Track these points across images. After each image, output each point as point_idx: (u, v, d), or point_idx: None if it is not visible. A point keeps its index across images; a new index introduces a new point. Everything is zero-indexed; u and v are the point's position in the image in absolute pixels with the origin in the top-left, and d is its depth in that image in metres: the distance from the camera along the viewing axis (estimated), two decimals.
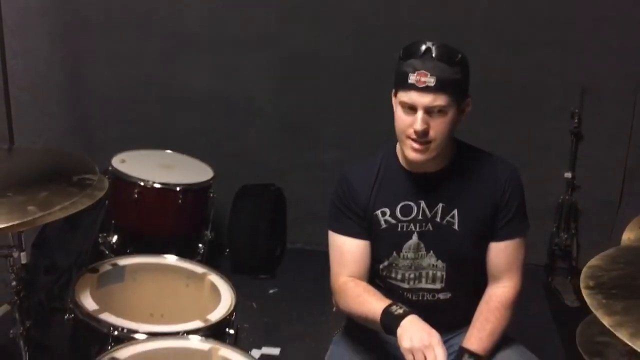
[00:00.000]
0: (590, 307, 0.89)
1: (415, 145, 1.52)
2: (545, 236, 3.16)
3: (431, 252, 1.64)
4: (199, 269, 2.01)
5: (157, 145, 3.01)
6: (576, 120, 3.00)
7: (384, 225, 1.63)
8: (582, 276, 0.98)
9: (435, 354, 1.39)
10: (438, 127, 1.51)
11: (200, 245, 2.84)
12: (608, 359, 1.17)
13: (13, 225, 1.19)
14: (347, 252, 1.66)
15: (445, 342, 1.68)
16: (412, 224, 1.62)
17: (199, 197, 2.79)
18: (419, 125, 1.49)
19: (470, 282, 1.69)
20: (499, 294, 1.65)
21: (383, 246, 1.65)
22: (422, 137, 1.50)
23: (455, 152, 1.63)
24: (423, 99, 1.48)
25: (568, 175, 3.05)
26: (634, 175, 3.24)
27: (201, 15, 3.26)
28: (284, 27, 3.23)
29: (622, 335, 0.77)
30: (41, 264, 2.57)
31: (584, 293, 0.93)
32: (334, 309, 2.95)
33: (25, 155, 1.64)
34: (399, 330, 1.44)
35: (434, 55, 1.48)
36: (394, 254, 1.65)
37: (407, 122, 1.52)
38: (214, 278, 1.97)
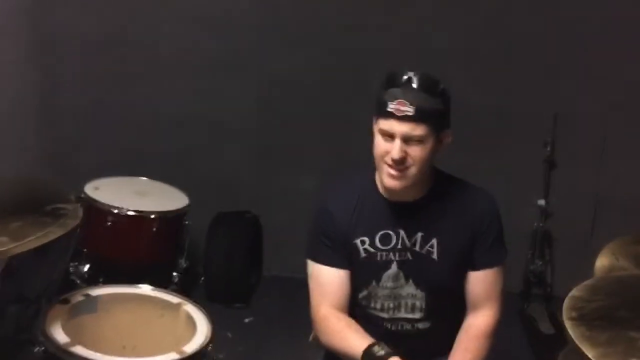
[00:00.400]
0: (574, 339, 0.89)
1: (392, 172, 1.53)
2: (519, 263, 3.18)
3: (410, 281, 1.63)
4: (174, 299, 1.97)
5: (132, 171, 2.97)
6: (549, 149, 3.05)
7: (363, 255, 1.62)
8: (564, 307, 0.98)
9: None
10: (415, 155, 1.51)
11: (174, 273, 2.79)
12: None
13: None
14: (327, 282, 1.65)
15: None
16: (391, 253, 1.62)
17: (174, 225, 2.75)
18: (396, 153, 1.50)
19: (449, 311, 1.68)
20: (478, 323, 1.65)
21: (362, 275, 1.65)
22: (399, 164, 1.51)
23: (433, 181, 1.64)
24: (401, 127, 1.49)
25: (541, 202, 3.08)
26: (606, 202, 3.30)
27: (176, 37, 3.25)
28: (261, 50, 3.23)
29: None
30: (10, 294, 2.50)
31: (567, 324, 0.93)
32: (310, 339, 2.93)
33: None
34: None
35: (415, 85, 1.49)
36: (373, 283, 1.64)
37: (384, 149, 1.52)
38: (190, 308, 1.93)
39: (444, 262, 1.62)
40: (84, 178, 2.74)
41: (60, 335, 1.67)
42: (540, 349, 2.99)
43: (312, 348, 2.81)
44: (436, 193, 1.63)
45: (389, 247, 1.61)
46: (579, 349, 0.85)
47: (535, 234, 3.13)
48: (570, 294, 0.97)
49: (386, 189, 1.59)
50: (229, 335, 2.88)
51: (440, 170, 1.67)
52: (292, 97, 3.28)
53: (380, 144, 1.54)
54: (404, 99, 1.47)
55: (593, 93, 3.16)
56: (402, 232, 1.61)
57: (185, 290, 2.67)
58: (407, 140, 1.49)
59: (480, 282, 1.64)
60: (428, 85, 1.50)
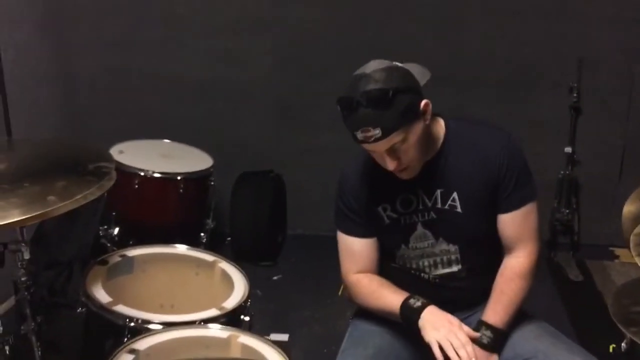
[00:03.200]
0: None
1: (399, 174, 1.54)
2: (546, 212, 3.16)
3: (441, 238, 1.62)
4: (209, 257, 1.98)
5: (154, 135, 2.96)
6: (575, 95, 2.99)
7: (387, 221, 1.62)
8: (631, 244, 0.96)
9: (460, 340, 1.46)
10: (408, 154, 1.49)
11: (202, 234, 2.80)
12: None
13: (35, 215, 1.16)
14: (355, 251, 1.67)
15: (465, 319, 1.68)
16: (414, 215, 1.61)
17: (200, 186, 2.75)
18: (390, 166, 1.49)
19: (486, 258, 1.67)
20: (513, 264, 1.64)
21: (391, 241, 1.65)
22: (399, 168, 1.51)
23: (443, 136, 1.59)
24: (379, 147, 1.46)
25: (568, 150, 3.04)
26: (633, 148, 3.25)
27: (193, 0, 3.20)
28: (277, 10, 3.18)
29: None
30: (41, 260, 2.53)
31: (638, 260, 0.91)
32: (340, 293, 2.96)
33: (32, 147, 1.59)
34: (421, 322, 1.50)
35: (366, 106, 1.42)
36: (403, 246, 1.64)
37: (380, 160, 1.52)
38: (225, 265, 1.95)
39: (470, 214, 1.59)
40: (107, 143, 2.74)
41: (101, 294, 1.70)
42: (568, 296, 2.99)
43: (342, 302, 2.86)
44: (448, 147, 1.59)
45: (410, 209, 1.60)
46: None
47: (561, 182, 3.09)
48: (635, 231, 0.95)
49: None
50: (259, 293, 2.91)
51: (448, 122, 1.61)
52: (310, 57, 3.24)
53: (374, 156, 1.53)
54: (366, 126, 1.43)
55: (618, 35, 3.09)
56: (420, 192, 1.59)
57: (213, 250, 2.68)
58: (392, 150, 1.47)
59: (510, 224, 1.61)
60: (377, 100, 1.42)
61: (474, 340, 1.54)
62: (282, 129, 3.36)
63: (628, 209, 2.19)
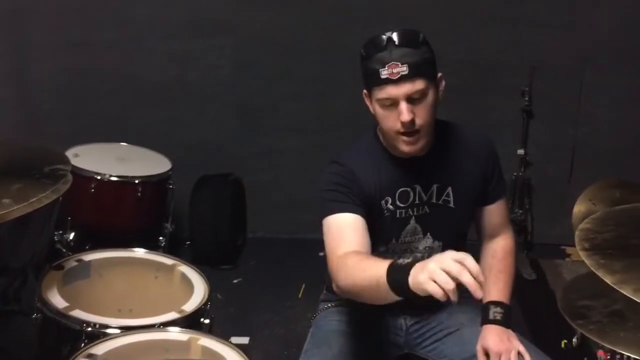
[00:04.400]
0: (591, 267, 0.92)
1: (406, 139, 1.52)
2: None
3: (428, 234, 1.66)
4: (168, 260, 1.97)
5: (111, 138, 2.92)
6: (527, 98, 3.08)
7: (386, 214, 1.63)
8: (576, 239, 1.00)
9: (454, 260, 1.20)
10: (423, 114, 1.51)
11: (161, 238, 2.78)
12: (591, 320, 1.21)
13: None
14: (343, 227, 1.55)
15: (426, 319, 1.72)
16: (410, 209, 1.63)
17: (158, 189, 2.73)
18: (405, 116, 1.47)
19: (456, 241, 1.73)
20: (502, 245, 1.75)
21: (383, 234, 1.64)
22: (411, 127, 1.50)
23: (436, 131, 1.64)
24: (401, 90, 1.47)
25: (521, 152, 3.13)
26: (582, 151, 3.37)
27: (150, 1, 3.17)
28: (238, 12, 3.17)
29: (626, 291, 0.80)
30: None
31: (582, 255, 0.95)
32: (300, 296, 2.96)
33: None
34: (413, 272, 1.24)
35: (397, 43, 1.47)
36: (393, 240, 1.65)
37: (392, 118, 1.51)
38: (184, 269, 1.94)
39: (461, 208, 1.65)
40: (62, 146, 2.68)
41: (57, 300, 1.67)
42: (522, 294, 3.07)
43: (302, 304, 2.86)
44: (442, 142, 1.64)
45: (407, 203, 1.62)
46: (594, 277, 0.88)
47: (514, 183, 3.18)
48: (580, 227, 0.99)
49: (397, 149, 1.59)
50: (219, 296, 2.89)
51: (436, 119, 1.67)
52: (269, 58, 3.24)
53: (384, 115, 1.52)
54: (394, 61, 1.45)
55: (569, 40, 3.20)
56: (418, 187, 1.62)
57: (172, 254, 2.66)
58: (410, 100, 1.48)
59: (495, 213, 1.72)
60: (410, 38, 1.48)
61: (488, 322, 1.60)
62: (242, 132, 3.36)
63: (578, 208, 2.28)
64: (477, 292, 1.18)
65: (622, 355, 2.11)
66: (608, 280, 0.82)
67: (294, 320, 2.76)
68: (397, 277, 1.28)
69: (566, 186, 3.34)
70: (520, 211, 3.21)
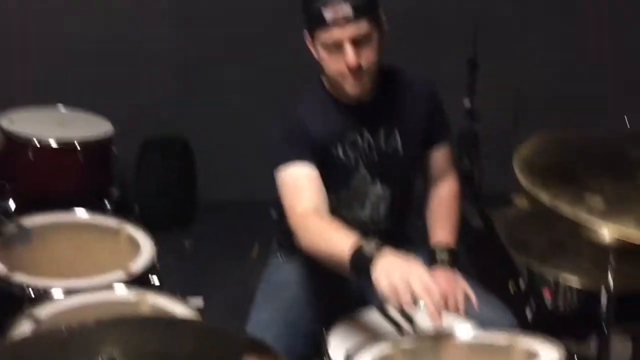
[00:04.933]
0: (527, 185, 0.93)
1: (352, 81, 1.50)
2: None
3: (377, 181, 1.65)
4: (112, 222, 1.91)
5: (48, 102, 2.79)
6: (472, 49, 3.09)
7: (336, 161, 1.62)
8: (514, 162, 1.02)
9: (420, 280, 1.26)
10: (368, 55, 1.49)
11: (107, 204, 2.70)
12: (532, 250, 1.24)
13: None
14: (300, 179, 1.54)
15: None
16: (359, 157, 1.63)
17: (101, 154, 2.64)
18: (351, 59, 1.46)
19: (408, 204, 1.75)
20: (447, 189, 1.76)
21: (333, 182, 1.62)
22: (357, 70, 1.48)
23: (380, 75, 1.63)
24: (345, 32, 1.44)
25: (467, 103, 3.16)
26: (527, 101, 3.43)
27: None
28: None
29: (562, 205, 0.81)
30: None
31: (519, 175, 0.96)
32: (254, 256, 2.95)
33: None
34: (378, 269, 1.29)
35: None
36: (342, 188, 1.64)
37: (336, 61, 1.49)
38: (130, 230, 1.89)
39: (408, 153, 1.66)
40: None
41: None
42: (470, 242, 3.14)
43: (256, 265, 2.86)
44: (386, 86, 1.64)
45: (356, 150, 1.62)
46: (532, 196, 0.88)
47: (461, 134, 3.21)
48: (517, 152, 1.00)
49: (344, 94, 1.57)
50: (171, 260, 2.85)
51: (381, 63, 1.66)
52: (215, 16, 3.15)
53: (328, 59, 1.50)
54: (338, 1, 1.42)
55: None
56: (366, 133, 1.62)
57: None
58: (355, 42, 1.46)
59: (441, 154, 1.74)
60: None
61: (435, 264, 1.61)
62: (188, 92, 3.26)
63: (520, 155, 2.33)
64: (435, 320, 1.22)
65: (565, 289, 2.19)
66: (544, 197, 0.83)
67: (248, 279, 2.75)
68: (360, 266, 1.32)
69: (513, 136, 3.40)
70: (468, 162, 3.25)
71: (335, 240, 1.40)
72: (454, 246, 1.69)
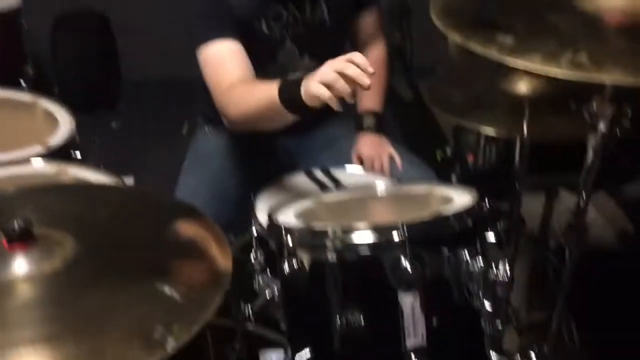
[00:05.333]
0: (442, 29, 0.92)
1: None
2: None
3: (305, 54, 1.60)
4: (26, 97, 1.81)
5: None
6: None
7: (259, 36, 1.54)
8: (431, 7, 1.00)
9: (340, 61, 1.21)
10: None
11: (22, 83, 2.55)
12: (453, 105, 1.27)
13: None
14: (224, 53, 1.48)
15: (304, 135, 1.74)
16: (284, 30, 1.56)
17: (9, 27, 2.45)
18: None
19: None
20: (375, 55, 1.74)
21: (258, 58, 1.55)
22: None
23: None
24: None
25: None
26: None
27: None
28: None
29: (474, 45, 0.82)
30: None
31: (435, 20, 0.95)
32: (185, 133, 2.90)
33: None
34: (304, 83, 1.25)
35: None
36: (269, 64, 1.58)
37: None
38: (46, 104, 1.80)
39: (336, 24, 1.60)
40: None
41: None
42: (401, 113, 3.19)
43: (187, 141, 2.82)
44: None
45: (281, 23, 1.55)
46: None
47: (391, 6, 3.16)
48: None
49: None
50: (97, 140, 2.77)
51: None
52: None
53: None
54: None
55: None
56: (290, 5, 1.54)
57: None
58: None
59: (369, 20, 1.70)
60: None
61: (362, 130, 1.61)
62: None
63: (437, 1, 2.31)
64: (364, 80, 1.16)
65: (485, 145, 2.28)
66: (457, 39, 0.83)
67: (180, 156, 2.72)
68: (289, 92, 1.26)
69: None
70: (398, 34, 3.22)
71: (262, 90, 1.36)
72: (380, 112, 1.70)
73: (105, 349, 0.81)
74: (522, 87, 1.32)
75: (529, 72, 1.27)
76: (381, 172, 1.62)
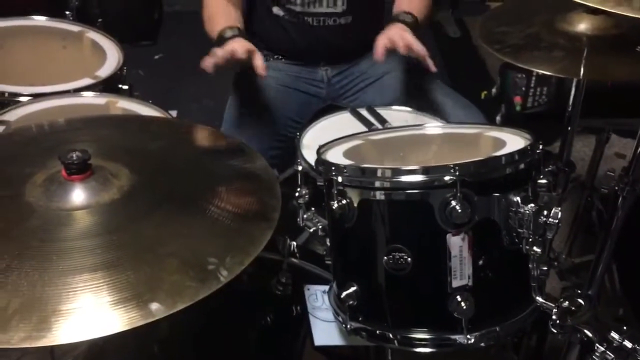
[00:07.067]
0: None
1: None
2: None
3: None
4: (74, 27, 1.82)
5: None
6: None
7: None
8: None
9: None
10: None
11: (67, 12, 2.55)
12: (507, 44, 1.22)
13: None
14: None
15: (347, 70, 1.71)
16: None
17: None
18: None
19: (372, 3, 1.65)
20: None
21: None
22: None
23: None
24: None
25: None
26: None
27: None
28: None
29: None
30: None
31: None
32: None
33: None
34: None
35: None
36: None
37: None
38: (94, 35, 1.80)
39: None
40: None
41: None
42: (447, 51, 3.11)
43: (229, 76, 2.82)
44: None
45: None
46: None
47: None
48: None
49: None
50: (141, 73, 2.80)
51: None
52: None
53: None
54: None
55: None
56: None
57: None
58: None
59: None
60: None
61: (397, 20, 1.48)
62: None
63: None
64: None
65: (535, 88, 2.21)
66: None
67: (223, 91, 2.73)
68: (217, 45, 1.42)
69: None
70: None
71: (215, 25, 1.52)
72: (418, 17, 1.51)
73: (163, 277, 0.84)
74: (582, 26, 1.26)
75: (590, 10, 1.22)
76: (405, 46, 1.41)
